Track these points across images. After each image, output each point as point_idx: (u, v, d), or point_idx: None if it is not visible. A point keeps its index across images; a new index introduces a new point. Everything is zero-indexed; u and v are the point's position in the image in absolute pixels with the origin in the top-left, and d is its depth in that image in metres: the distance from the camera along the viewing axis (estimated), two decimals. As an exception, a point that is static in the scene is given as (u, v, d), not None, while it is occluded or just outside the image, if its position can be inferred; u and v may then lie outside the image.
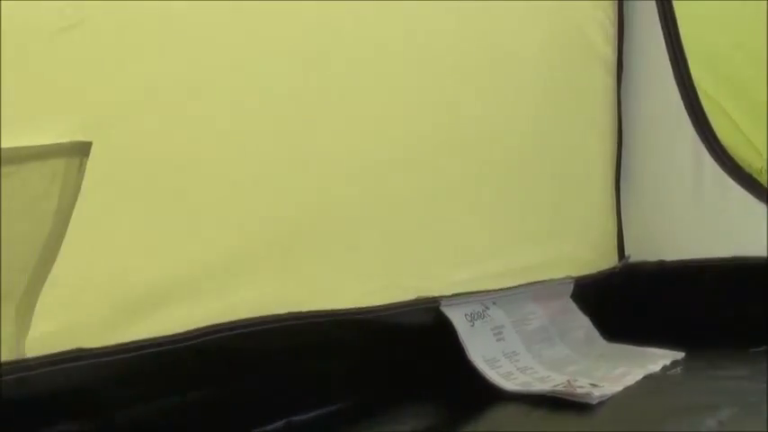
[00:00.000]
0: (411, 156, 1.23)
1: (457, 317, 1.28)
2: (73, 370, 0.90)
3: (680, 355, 1.36)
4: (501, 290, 1.34)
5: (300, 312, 1.10)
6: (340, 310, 1.15)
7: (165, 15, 0.88)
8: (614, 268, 1.55)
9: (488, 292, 1.33)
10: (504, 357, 1.30)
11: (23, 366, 0.87)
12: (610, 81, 1.51)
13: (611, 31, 1.49)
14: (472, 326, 1.28)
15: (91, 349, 0.92)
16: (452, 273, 1.30)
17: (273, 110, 1.01)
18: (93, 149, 0.85)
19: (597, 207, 1.54)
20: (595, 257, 1.53)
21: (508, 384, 1.23)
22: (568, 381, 1.23)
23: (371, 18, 1.13)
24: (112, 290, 0.92)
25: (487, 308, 1.33)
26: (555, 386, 1.21)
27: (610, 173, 1.54)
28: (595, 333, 1.44)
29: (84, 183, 0.85)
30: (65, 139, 0.83)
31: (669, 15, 1.48)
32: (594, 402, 1.15)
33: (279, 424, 1.11)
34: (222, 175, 0.98)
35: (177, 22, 0.89)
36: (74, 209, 0.85)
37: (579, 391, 1.18)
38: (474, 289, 1.31)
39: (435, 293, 1.27)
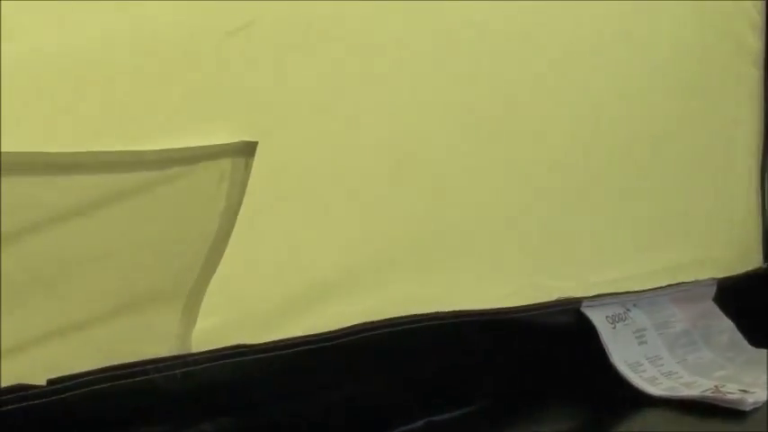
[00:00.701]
0: (551, 155, 1.20)
1: (598, 319, 1.25)
2: (234, 365, 0.93)
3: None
4: (642, 291, 1.31)
5: (443, 312, 1.10)
6: (481, 310, 1.14)
7: (335, 16, 0.88)
8: (758, 269, 1.48)
9: (630, 293, 1.29)
10: (648, 361, 1.27)
11: (189, 361, 0.90)
12: (756, 74, 1.44)
13: (760, 22, 1.43)
14: (614, 328, 1.25)
15: (251, 345, 0.94)
16: (593, 273, 1.26)
17: (430, 112, 1.01)
18: (259, 149, 0.86)
19: (740, 205, 1.47)
20: (738, 258, 1.46)
21: (654, 389, 1.19)
22: (716, 386, 1.19)
23: (518, 16, 1.11)
24: (273, 288, 0.94)
25: (629, 310, 1.29)
26: (703, 392, 1.17)
27: (755, 169, 1.47)
28: (740, 337, 1.38)
29: (249, 182, 0.86)
30: (232, 139, 0.85)
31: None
32: (747, 409, 1.11)
33: (419, 424, 1.11)
34: (377, 176, 0.98)
35: (347, 22, 0.90)
36: (239, 208, 0.87)
37: (729, 396, 1.14)
38: (615, 290, 1.28)
39: (576, 294, 1.24)
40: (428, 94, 1.03)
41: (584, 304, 1.24)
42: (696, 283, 1.38)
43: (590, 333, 1.24)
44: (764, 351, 1.36)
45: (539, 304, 1.19)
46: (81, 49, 0.73)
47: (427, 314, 1.08)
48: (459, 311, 1.11)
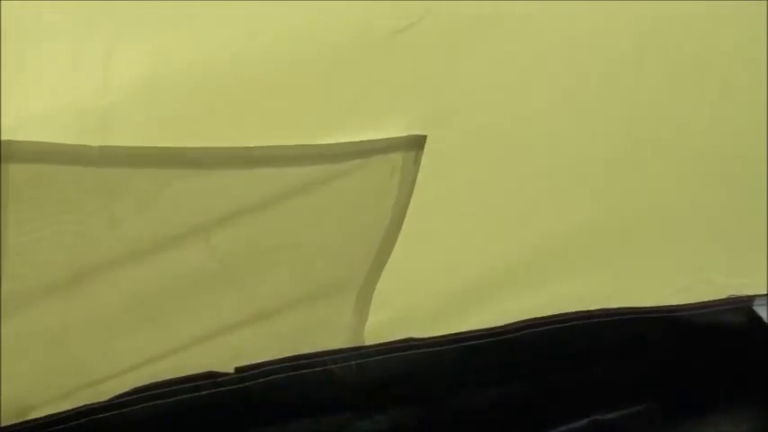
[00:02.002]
0: (724, 149, 1.16)
1: None
2: (405, 359, 0.94)
3: None
4: None
5: (612, 309, 1.08)
6: (651, 307, 1.11)
7: (503, 12, 0.88)
8: None
9: None
10: None
11: (363, 353, 0.92)
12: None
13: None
14: None
15: (422, 339, 0.95)
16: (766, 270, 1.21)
17: (599, 108, 0.99)
18: (428, 143, 0.87)
19: None
20: None
21: (836, 390, 1.13)
22: None
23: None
24: (443, 281, 0.95)
25: None
26: None
27: None
28: None
29: (419, 176, 0.88)
30: (402, 133, 0.86)
31: None
32: None
33: (584, 422, 1.09)
34: (545, 171, 0.97)
35: (515, 19, 0.89)
36: (409, 201, 0.88)
37: None
38: None
39: (748, 292, 1.19)
40: (598, 92, 1.02)
41: (757, 302, 1.19)
42: None
43: (763, 332, 1.18)
44: None
45: (710, 302, 1.15)
46: (265, 47, 0.75)
47: (596, 311, 1.06)
48: (628, 308, 1.09)
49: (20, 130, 0.69)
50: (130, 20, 0.69)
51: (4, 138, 0.68)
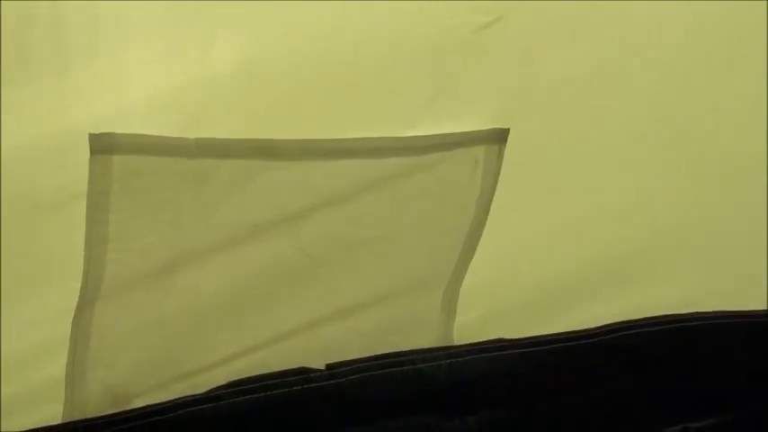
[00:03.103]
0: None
1: None
2: (495, 359, 0.93)
3: None
4: None
5: (705, 313, 1.04)
6: (743, 311, 1.07)
7: (581, 12, 0.89)
8: None
9: None
10: None
11: (452, 353, 0.91)
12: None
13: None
14: None
15: (511, 340, 0.94)
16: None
17: (680, 107, 0.98)
18: (511, 136, 0.87)
19: None
20: None
21: None
22: None
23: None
24: (530, 279, 0.94)
25: None
26: None
27: None
28: None
29: (502, 170, 0.88)
30: (485, 126, 0.87)
31: None
32: None
33: (675, 429, 1.05)
34: (629, 170, 0.95)
35: (595, 17, 0.89)
36: (493, 196, 0.88)
37: None
38: None
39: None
40: (677, 94, 1.01)
41: None
42: None
43: None
44: None
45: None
46: (352, 42, 0.77)
47: (688, 314, 1.03)
48: (722, 312, 1.05)
49: (119, 121, 0.73)
50: (223, 17, 0.72)
51: (105, 130, 0.71)
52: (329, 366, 0.85)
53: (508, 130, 0.87)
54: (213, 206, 0.77)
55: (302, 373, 0.84)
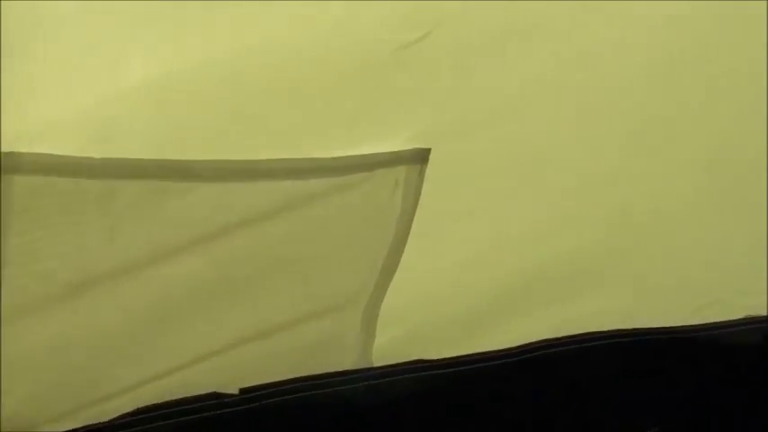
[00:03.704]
0: (741, 169, 1.14)
1: None
2: (416, 380, 0.92)
3: None
4: None
5: (628, 329, 1.06)
6: (669, 327, 1.08)
7: (509, 27, 0.88)
8: None
9: None
10: None
11: (372, 374, 0.90)
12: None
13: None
14: None
15: (433, 360, 0.93)
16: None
17: (610, 122, 0.99)
18: (434, 156, 0.86)
19: None
20: None
21: None
22: None
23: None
24: (452, 299, 0.93)
25: None
26: None
27: None
28: None
29: (424, 189, 0.87)
30: (407, 146, 0.86)
31: None
32: None
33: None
34: (554, 187, 0.96)
35: (519, 35, 0.90)
36: (414, 215, 0.87)
37: None
38: None
39: (765, 312, 1.16)
40: (607, 108, 1.01)
41: None
42: None
43: None
44: None
45: (726, 322, 1.13)
46: (271, 60, 0.76)
47: (613, 331, 1.05)
48: (647, 329, 1.07)
49: (22, 141, 0.70)
50: (134, 33, 0.69)
51: (6, 149, 0.68)
52: (243, 390, 0.83)
53: (429, 150, 0.87)
54: (119, 228, 0.74)
55: (215, 398, 0.82)
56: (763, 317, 1.15)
